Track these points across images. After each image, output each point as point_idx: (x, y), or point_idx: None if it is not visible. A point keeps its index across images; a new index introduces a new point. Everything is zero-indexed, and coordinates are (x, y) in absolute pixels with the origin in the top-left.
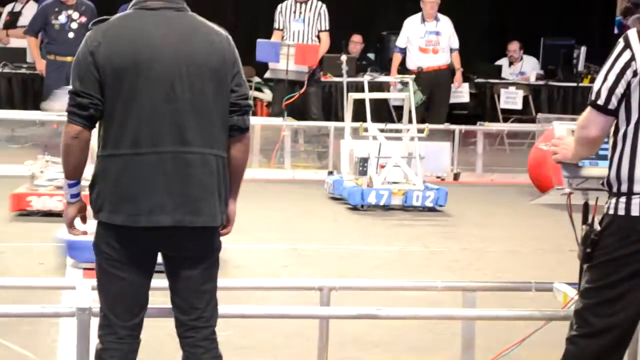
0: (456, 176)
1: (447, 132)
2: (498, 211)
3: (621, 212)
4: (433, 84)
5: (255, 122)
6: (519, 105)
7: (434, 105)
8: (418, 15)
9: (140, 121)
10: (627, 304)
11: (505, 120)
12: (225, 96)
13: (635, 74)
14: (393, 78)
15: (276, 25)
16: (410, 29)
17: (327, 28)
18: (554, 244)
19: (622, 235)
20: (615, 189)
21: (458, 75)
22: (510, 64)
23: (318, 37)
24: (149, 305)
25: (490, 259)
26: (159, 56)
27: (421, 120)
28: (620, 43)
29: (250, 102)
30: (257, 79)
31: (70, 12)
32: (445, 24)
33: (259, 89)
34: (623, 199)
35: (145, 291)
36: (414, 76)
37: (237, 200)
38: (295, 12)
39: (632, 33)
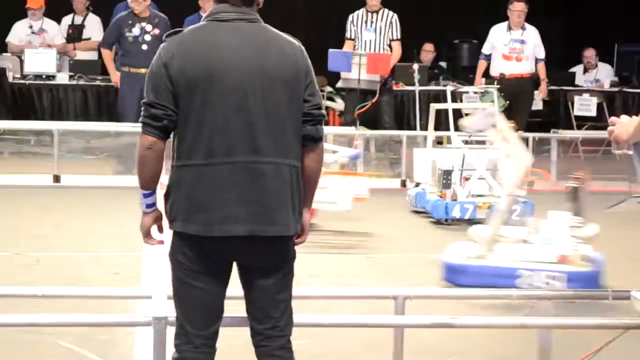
0: (530, 184)
1: (522, 139)
2: None
3: None
4: (514, 91)
5: (328, 131)
6: (593, 112)
7: (514, 113)
8: (505, 23)
9: (213, 132)
10: None
11: (579, 127)
12: (299, 106)
13: None
14: (477, 88)
15: (348, 35)
16: (496, 36)
17: (399, 37)
18: (631, 251)
19: None
20: None
21: (543, 86)
22: (585, 70)
23: (390, 46)
24: (224, 314)
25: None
26: (232, 68)
27: None
28: None
29: (324, 111)
30: (329, 89)
31: (143, 24)
32: (532, 34)
33: (331, 99)
34: None
35: (221, 301)
36: (497, 86)
37: (310, 209)
38: (366, 21)
39: None
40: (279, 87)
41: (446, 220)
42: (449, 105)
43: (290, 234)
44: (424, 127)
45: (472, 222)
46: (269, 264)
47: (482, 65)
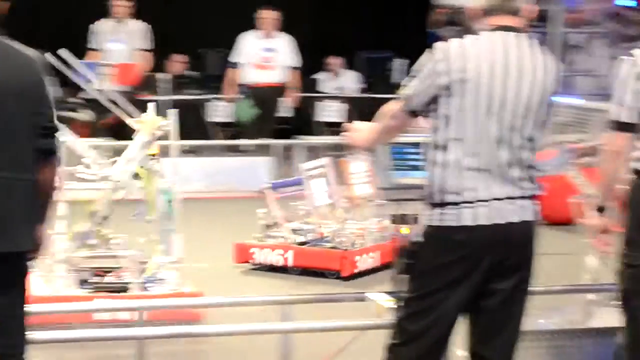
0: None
1: (269, 146)
2: None
3: (438, 222)
4: (265, 99)
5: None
6: (339, 118)
7: (264, 121)
8: (254, 32)
9: None
10: (444, 311)
11: (326, 133)
12: (32, 119)
13: (443, 86)
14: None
15: (92, 45)
16: (246, 45)
17: (147, 47)
18: None
19: (439, 246)
20: (432, 200)
21: (294, 93)
22: (330, 77)
23: (138, 56)
24: None
25: None
26: None
27: (255, 135)
28: (431, 54)
29: (57, 124)
30: (73, 100)
31: None
32: (283, 42)
33: (74, 110)
34: (440, 210)
35: None
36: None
37: (45, 223)
38: (113, 31)
39: (441, 45)
40: (12, 99)
41: None
42: None
43: (24, 249)
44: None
45: None
46: (2, 280)
47: (231, 73)
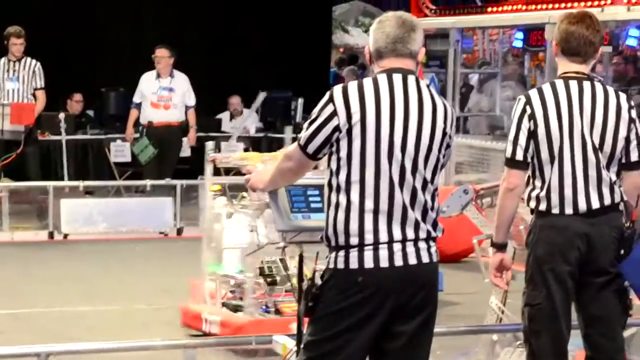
0: (179, 231)
1: (169, 187)
2: None
3: (340, 265)
4: (163, 139)
5: None
6: None
7: (163, 161)
8: (154, 71)
9: None
10: (350, 352)
11: (227, 173)
12: None
13: (337, 129)
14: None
15: None
16: (145, 84)
17: (43, 86)
18: None
19: (341, 289)
20: (333, 243)
21: (192, 133)
22: (232, 117)
23: (34, 95)
24: None
25: None
26: None
27: (155, 175)
28: (326, 96)
29: None
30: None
31: None
32: (181, 81)
33: None
34: (342, 253)
35: None
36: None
37: None
38: (9, 70)
39: (337, 89)
40: None
41: None
42: None
43: None
44: (72, 177)
45: None
46: None
47: (133, 114)
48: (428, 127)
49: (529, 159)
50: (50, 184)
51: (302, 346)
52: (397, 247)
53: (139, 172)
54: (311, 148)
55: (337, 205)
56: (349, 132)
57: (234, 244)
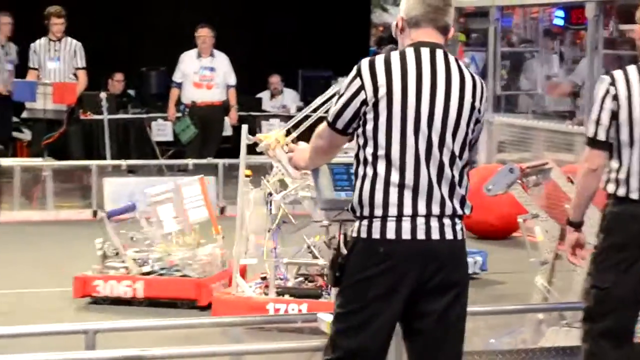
0: (222, 210)
1: (212, 166)
2: None
3: (363, 234)
4: (206, 119)
5: (15, 162)
6: None
7: (205, 141)
8: (194, 51)
9: None
10: (376, 327)
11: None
12: None
13: (364, 103)
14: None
15: (31, 64)
16: (186, 64)
17: (84, 65)
18: None
19: (363, 258)
20: (358, 213)
21: (233, 112)
22: (272, 96)
23: (75, 75)
24: None
25: None
26: None
27: (197, 154)
28: (354, 71)
29: None
30: (15, 119)
31: None
32: (221, 60)
33: (17, 129)
34: (365, 222)
35: None
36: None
37: None
38: (50, 50)
39: (364, 62)
40: None
41: None
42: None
43: None
44: (114, 156)
45: None
46: None
47: (174, 93)
48: (456, 101)
49: (611, 140)
50: (93, 163)
51: (333, 318)
52: (420, 221)
53: (181, 151)
54: (340, 123)
55: (364, 177)
56: (375, 105)
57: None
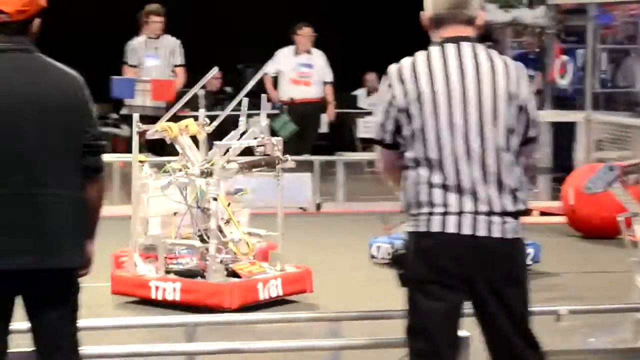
0: (318, 206)
1: (308, 162)
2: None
3: (412, 229)
4: (303, 115)
5: (114, 158)
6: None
7: (302, 138)
8: (291, 47)
9: None
10: (435, 326)
11: (364, 149)
12: (77, 137)
13: (399, 110)
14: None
15: (129, 62)
16: (282, 60)
17: (183, 62)
18: None
19: (414, 253)
20: (406, 212)
21: (331, 109)
22: (368, 94)
23: (174, 72)
24: (9, 350)
25: (357, 288)
26: (5, 98)
27: (295, 151)
28: (384, 81)
29: (103, 142)
30: (114, 116)
31: None
32: (318, 58)
33: (116, 126)
34: (413, 218)
35: (4, 336)
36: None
37: (94, 240)
38: (148, 47)
39: (392, 69)
40: (56, 118)
41: None
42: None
43: (73, 266)
44: None
45: None
46: (52, 297)
47: (268, 78)
48: (489, 91)
49: None
50: None
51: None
52: (466, 217)
53: None
54: (388, 137)
55: (409, 180)
56: (408, 110)
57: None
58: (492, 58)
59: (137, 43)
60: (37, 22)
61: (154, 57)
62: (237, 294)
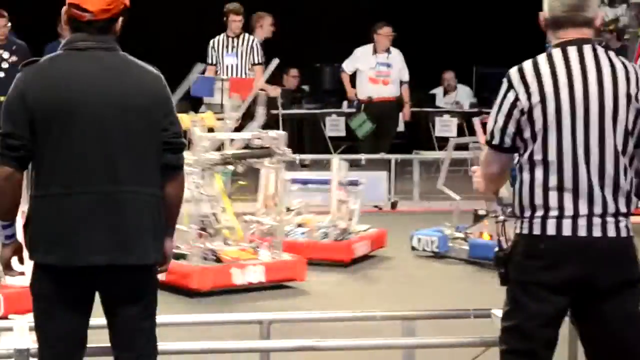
0: (394, 205)
1: (384, 161)
2: None
3: (525, 231)
4: (381, 114)
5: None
6: (453, 133)
7: (380, 136)
8: (369, 46)
9: (71, 161)
10: (536, 327)
11: (441, 148)
12: (158, 135)
13: (522, 112)
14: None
15: (209, 60)
16: (361, 59)
17: (261, 61)
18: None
19: (524, 255)
20: (519, 214)
21: (407, 108)
22: (445, 93)
23: (252, 70)
24: (88, 345)
25: (428, 287)
26: (90, 97)
27: (371, 150)
28: (504, 83)
29: (184, 140)
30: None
31: (0, 51)
32: (396, 57)
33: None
34: (527, 220)
35: (83, 331)
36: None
37: (173, 237)
38: (227, 46)
39: (513, 72)
40: (138, 115)
41: None
42: None
43: (151, 262)
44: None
45: None
46: (131, 293)
47: (345, 76)
48: (610, 95)
49: None
50: None
51: (502, 315)
52: (581, 219)
53: (353, 146)
54: (507, 141)
55: (522, 182)
56: (530, 113)
57: None
58: (612, 61)
59: (217, 42)
60: (120, 21)
61: (233, 56)
62: (208, 278)
